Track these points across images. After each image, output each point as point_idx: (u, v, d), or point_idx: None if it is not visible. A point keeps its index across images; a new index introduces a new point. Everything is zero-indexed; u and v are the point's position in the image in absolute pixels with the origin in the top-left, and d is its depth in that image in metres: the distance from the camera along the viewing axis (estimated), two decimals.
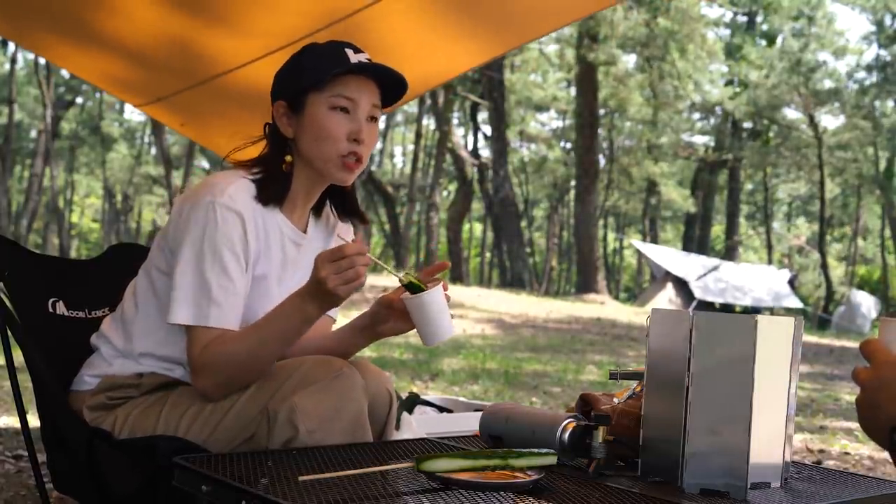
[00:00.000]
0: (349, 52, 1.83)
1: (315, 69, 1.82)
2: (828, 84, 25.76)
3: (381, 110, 1.89)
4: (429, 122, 28.47)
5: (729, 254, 28.50)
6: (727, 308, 21.93)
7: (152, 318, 1.86)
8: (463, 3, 3.36)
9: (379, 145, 32.07)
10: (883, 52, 27.39)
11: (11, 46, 23.24)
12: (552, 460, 1.52)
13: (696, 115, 30.06)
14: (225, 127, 4.03)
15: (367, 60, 1.84)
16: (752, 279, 23.25)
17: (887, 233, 29.99)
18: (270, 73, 1.92)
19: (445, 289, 1.77)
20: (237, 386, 1.76)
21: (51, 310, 2.13)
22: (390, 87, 1.89)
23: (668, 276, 21.82)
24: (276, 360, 1.79)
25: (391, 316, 1.88)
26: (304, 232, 1.93)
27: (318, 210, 1.99)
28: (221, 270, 1.74)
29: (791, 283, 23.99)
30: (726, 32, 31.26)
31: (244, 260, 1.78)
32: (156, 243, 1.88)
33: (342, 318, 2.03)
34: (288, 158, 1.86)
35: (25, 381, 2.01)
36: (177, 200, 1.85)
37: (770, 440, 1.51)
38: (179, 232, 1.77)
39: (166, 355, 1.86)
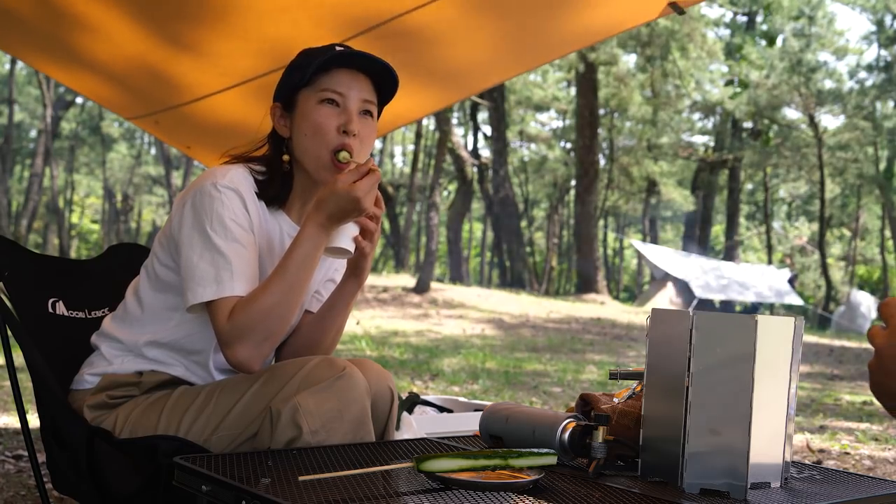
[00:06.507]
0: (338, 48, 1.86)
1: (303, 66, 1.86)
2: (828, 84, 25.73)
3: (377, 106, 1.90)
4: (429, 122, 28.42)
5: (729, 254, 28.48)
6: (727, 306, 21.94)
7: (156, 311, 1.88)
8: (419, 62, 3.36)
9: (378, 145, 32.09)
10: (883, 53, 27.39)
11: None
12: (552, 460, 1.52)
13: (696, 115, 30.03)
14: (217, 148, 4.08)
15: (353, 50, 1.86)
16: (752, 277, 23.26)
17: (887, 233, 29.97)
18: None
19: (380, 206, 1.78)
20: (272, 343, 1.74)
21: (51, 310, 2.14)
22: (384, 83, 1.89)
23: (668, 275, 21.81)
24: (301, 302, 1.77)
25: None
26: None
27: None
28: (232, 239, 1.75)
29: (791, 282, 23.99)
30: (726, 32, 31.23)
31: (250, 229, 1.80)
32: (157, 241, 1.89)
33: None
34: (286, 157, 1.88)
35: (25, 380, 2.01)
36: (178, 196, 1.87)
37: (770, 440, 1.51)
38: (185, 220, 1.78)
39: (173, 340, 1.86)
